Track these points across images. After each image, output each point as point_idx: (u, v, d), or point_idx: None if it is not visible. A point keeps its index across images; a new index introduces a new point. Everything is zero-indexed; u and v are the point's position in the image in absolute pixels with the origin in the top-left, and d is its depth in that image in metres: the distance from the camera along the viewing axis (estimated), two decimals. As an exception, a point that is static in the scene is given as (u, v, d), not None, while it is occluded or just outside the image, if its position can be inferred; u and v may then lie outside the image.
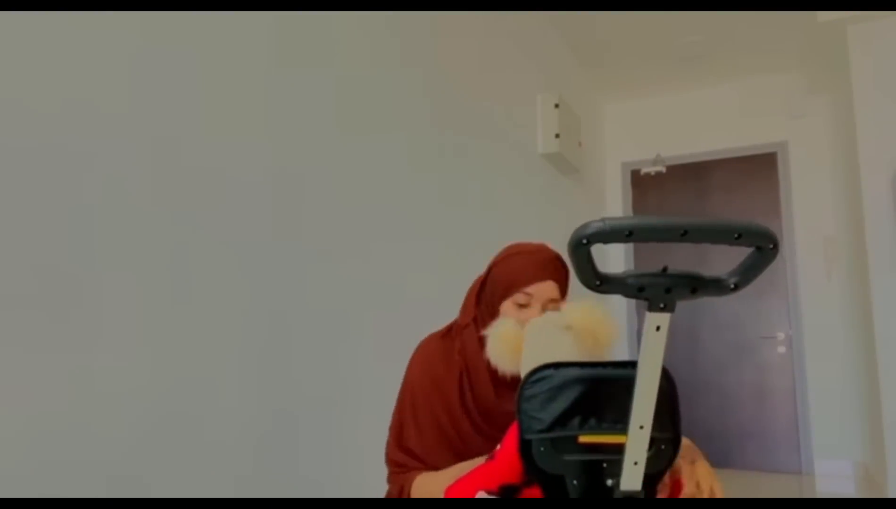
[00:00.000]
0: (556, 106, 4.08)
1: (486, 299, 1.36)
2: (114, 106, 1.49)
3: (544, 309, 1.31)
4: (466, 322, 1.37)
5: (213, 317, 1.70)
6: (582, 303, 1.17)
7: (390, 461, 1.35)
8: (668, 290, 0.69)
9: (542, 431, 0.92)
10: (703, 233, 0.64)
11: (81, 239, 1.40)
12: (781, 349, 4.87)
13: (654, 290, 0.69)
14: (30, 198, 1.30)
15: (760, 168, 5.05)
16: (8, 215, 1.26)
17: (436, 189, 2.86)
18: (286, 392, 1.91)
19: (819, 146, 4.87)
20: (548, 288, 1.31)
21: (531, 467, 0.95)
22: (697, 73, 5.02)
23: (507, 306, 1.31)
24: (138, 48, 1.56)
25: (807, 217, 4.86)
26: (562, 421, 0.92)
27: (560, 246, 3.86)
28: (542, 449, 0.92)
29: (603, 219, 0.65)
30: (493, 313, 1.33)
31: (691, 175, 5.26)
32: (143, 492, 1.47)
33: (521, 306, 1.30)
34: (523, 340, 1.17)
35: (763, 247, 0.68)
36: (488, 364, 1.32)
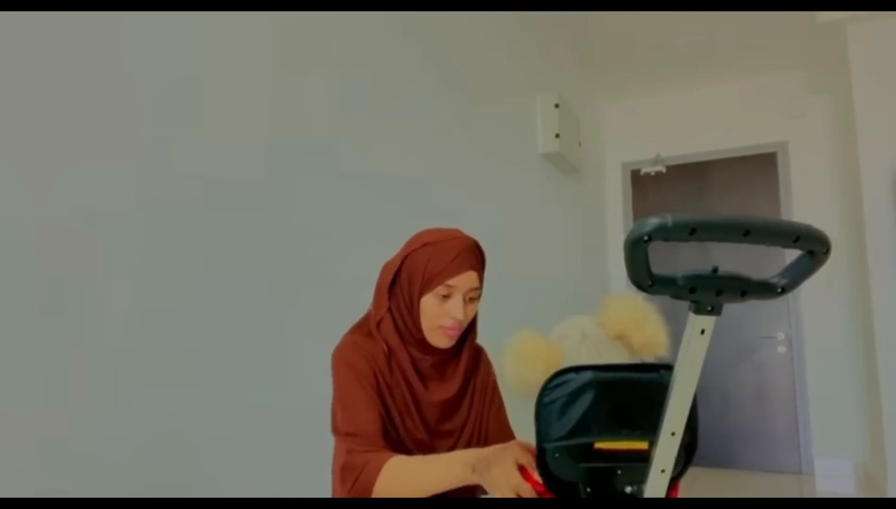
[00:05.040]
0: (556, 106, 4.06)
1: (402, 291, 1.31)
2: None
3: (466, 299, 1.28)
4: (380, 316, 1.32)
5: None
6: (622, 304, 1.07)
7: (344, 435, 1.24)
8: (718, 292, 0.67)
9: (559, 439, 0.90)
10: (764, 233, 0.62)
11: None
12: (781, 349, 4.87)
13: (705, 292, 0.66)
14: None
15: (760, 168, 5.05)
16: None
17: (435, 189, 2.84)
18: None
19: (819, 146, 4.88)
20: (469, 278, 1.28)
21: (545, 474, 0.92)
22: (697, 73, 5.01)
23: (427, 300, 1.28)
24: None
25: (807, 217, 4.86)
26: (580, 427, 0.90)
27: (560, 245, 3.82)
28: (556, 456, 0.90)
29: (665, 216, 0.63)
30: (411, 308, 1.30)
31: (691, 175, 5.26)
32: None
33: (444, 298, 1.27)
34: (558, 352, 1.05)
35: (816, 252, 0.66)
36: (411, 355, 1.31)
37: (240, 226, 1.79)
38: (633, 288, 0.71)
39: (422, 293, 1.28)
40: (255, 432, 1.79)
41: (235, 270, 1.76)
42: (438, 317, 1.28)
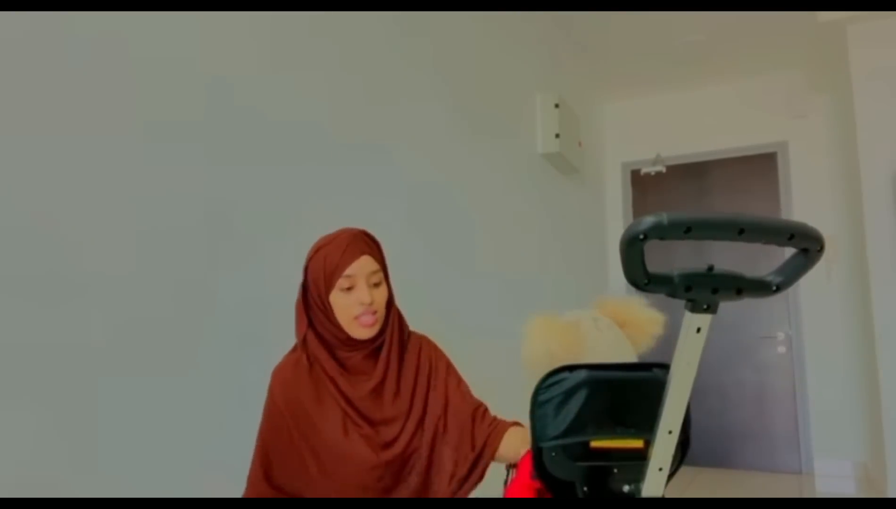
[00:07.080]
0: (556, 106, 4.06)
1: (313, 301, 1.35)
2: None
3: (370, 283, 1.32)
4: (303, 332, 1.36)
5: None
6: (624, 299, 1.14)
7: (256, 491, 1.32)
8: (714, 291, 0.67)
9: (555, 438, 0.90)
10: (758, 232, 0.62)
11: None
12: (781, 349, 4.87)
13: (700, 290, 0.66)
14: None
15: (760, 168, 5.05)
16: None
17: (434, 189, 2.84)
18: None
19: (819, 146, 4.87)
20: (365, 263, 1.32)
21: (542, 473, 0.93)
22: (697, 72, 5.01)
23: (335, 296, 1.32)
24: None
25: (807, 217, 4.85)
26: (575, 426, 0.90)
27: (560, 246, 3.83)
28: (553, 455, 0.91)
29: (661, 214, 0.63)
30: (325, 310, 1.33)
31: (691, 175, 5.25)
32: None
33: (348, 289, 1.31)
34: (570, 332, 1.09)
35: (810, 250, 0.66)
36: (340, 358, 1.34)
37: (241, 222, 1.80)
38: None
39: (328, 291, 1.32)
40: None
41: (235, 262, 1.77)
42: (350, 309, 1.31)
